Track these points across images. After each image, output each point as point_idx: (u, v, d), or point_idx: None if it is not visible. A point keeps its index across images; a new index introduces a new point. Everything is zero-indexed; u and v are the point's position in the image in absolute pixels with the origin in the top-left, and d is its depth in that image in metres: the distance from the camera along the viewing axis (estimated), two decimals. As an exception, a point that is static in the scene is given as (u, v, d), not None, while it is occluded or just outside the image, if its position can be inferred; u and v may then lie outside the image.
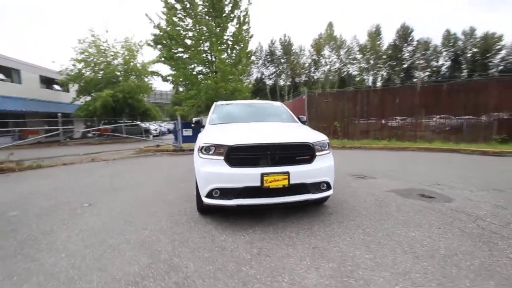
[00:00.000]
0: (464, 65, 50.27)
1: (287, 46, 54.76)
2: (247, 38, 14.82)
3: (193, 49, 14.01)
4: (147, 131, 22.13)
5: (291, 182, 2.91)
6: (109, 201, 4.25)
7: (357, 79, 55.57)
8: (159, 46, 14.64)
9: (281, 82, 57.01)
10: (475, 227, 2.89)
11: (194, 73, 14.85)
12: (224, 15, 13.97)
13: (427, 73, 52.53)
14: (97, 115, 19.34)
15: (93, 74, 20.10)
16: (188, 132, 12.72)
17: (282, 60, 55.26)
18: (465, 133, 10.75)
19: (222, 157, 2.96)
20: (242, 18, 14.38)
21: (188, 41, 14.25)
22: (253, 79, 54.53)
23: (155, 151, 11.85)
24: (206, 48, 14.41)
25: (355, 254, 2.38)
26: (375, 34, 51.91)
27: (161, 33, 13.84)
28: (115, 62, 20.90)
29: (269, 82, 56.26)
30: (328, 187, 3.19)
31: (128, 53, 20.81)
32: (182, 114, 14.28)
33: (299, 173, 2.95)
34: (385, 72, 54.38)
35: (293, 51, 54.76)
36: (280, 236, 2.78)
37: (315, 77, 55.94)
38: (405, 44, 52.45)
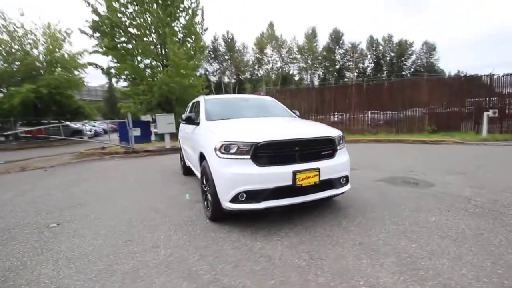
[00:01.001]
0: (384, 67, 57.90)
1: (230, 43, 54.42)
2: (200, 31, 14.11)
3: (140, 39, 12.66)
4: (77, 132, 18.96)
5: (321, 178, 2.79)
6: (83, 218, 3.45)
7: (296, 78, 58.91)
8: (97, 35, 12.80)
9: (226, 79, 56.56)
10: (474, 207, 3.24)
11: (142, 66, 13.48)
12: (175, 4, 12.97)
13: (355, 74, 58.86)
14: (15, 115, 15.90)
15: (5, 65, 16.44)
16: (136, 132, 11.52)
17: (226, 57, 54.78)
18: (404, 125, 12.33)
19: (247, 156, 2.65)
20: (192, 10, 13.60)
21: (134, 30, 12.82)
22: (197, 75, 52.64)
23: (102, 154, 10.34)
24: (155, 39, 13.20)
25: (401, 245, 2.39)
26: (311, 36, 55.58)
27: (100, 20, 12.10)
28: (35, 51, 17.53)
29: (213, 79, 55.12)
30: (347, 181, 3.18)
31: (52, 41, 17.64)
32: (127, 111, 12.80)
33: (327, 168, 2.85)
34: (321, 72, 58.91)
35: (237, 48, 54.78)
36: (318, 236, 2.63)
37: (259, 75, 57.15)
38: (337, 47, 57.68)
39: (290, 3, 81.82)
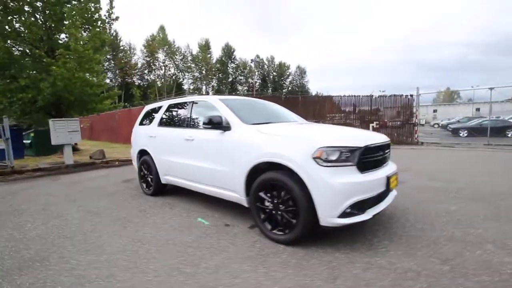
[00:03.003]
0: (269, 84, 65.62)
1: (114, 41, 47.53)
2: (107, 20, 11.58)
3: (17, 14, 9.16)
4: None
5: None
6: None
7: (192, 87, 58.02)
8: None
9: (107, 81, 48.68)
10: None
11: (17, 53, 9.76)
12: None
13: (245, 88, 63.86)
14: None
15: None
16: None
17: (108, 56, 47.33)
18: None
19: (352, 163, 2.39)
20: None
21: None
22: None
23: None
24: (41, 19, 9.87)
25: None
26: (205, 47, 56.37)
27: None
28: None
29: (91, 80, 46.28)
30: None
31: None
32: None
33: (395, 171, 2.94)
34: (215, 83, 60.46)
35: (122, 47, 48.42)
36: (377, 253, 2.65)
37: (149, 80, 52.53)
38: (229, 61, 61.00)
39: (182, 11, 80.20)
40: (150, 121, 4.79)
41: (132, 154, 5.28)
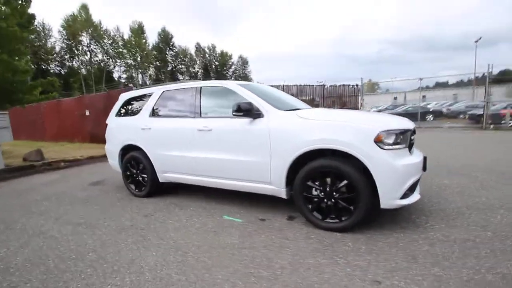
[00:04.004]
0: (211, 73, 63.83)
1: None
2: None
3: None
4: None
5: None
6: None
7: (125, 75, 52.47)
8: None
9: (16, 68, 40.24)
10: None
11: None
12: None
13: (187, 77, 60.91)
14: None
15: None
16: None
17: (14, 37, 38.92)
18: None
19: (405, 145, 2.46)
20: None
21: None
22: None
23: None
24: None
25: None
26: (138, 32, 51.17)
27: None
28: None
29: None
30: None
31: None
32: None
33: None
34: (153, 71, 55.85)
35: (34, 27, 40.34)
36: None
37: (73, 66, 45.40)
38: (168, 48, 56.93)
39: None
40: (135, 112, 4.11)
41: (109, 151, 4.47)
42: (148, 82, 53.78)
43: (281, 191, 2.83)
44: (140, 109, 4.03)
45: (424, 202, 3.22)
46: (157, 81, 52.90)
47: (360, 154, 2.35)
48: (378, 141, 2.33)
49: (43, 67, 41.50)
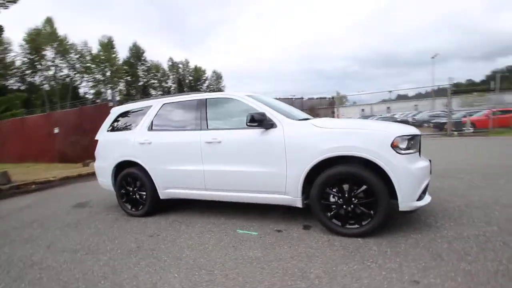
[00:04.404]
0: (185, 88, 63.17)
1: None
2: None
3: None
4: None
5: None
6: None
7: (92, 91, 50.07)
8: None
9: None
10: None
11: None
12: None
13: (160, 92, 59.73)
14: None
15: None
16: None
17: (-34, 51, 35.79)
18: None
19: (416, 149, 2.61)
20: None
21: None
22: None
23: None
24: None
25: None
26: (108, 46, 49.54)
27: None
28: None
29: None
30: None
31: None
32: None
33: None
34: (123, 86, 53.98)
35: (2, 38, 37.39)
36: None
37: (34, 82, 42.50)
38: (139, 63, 55.65)
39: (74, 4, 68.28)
40: (131, 126, 3.92)
41: (100, 169, 4.17)
42: (118, 98, 51.83)
43: (297, 200, 2.82)
44: (137, 123, 3.85)
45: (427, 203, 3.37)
46: (128, 96, 51.14)
47: (379, 160, 2.43)
48: (395, 146, 2.43)
49: (2, 83, 38.27)
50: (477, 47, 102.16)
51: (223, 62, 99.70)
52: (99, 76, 49.04)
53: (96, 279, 2.23)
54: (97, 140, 4.28)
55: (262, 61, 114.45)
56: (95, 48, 47.99)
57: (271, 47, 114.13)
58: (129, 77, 54.05)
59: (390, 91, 15.31)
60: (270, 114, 2.93)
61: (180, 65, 62.42)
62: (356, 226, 2.58)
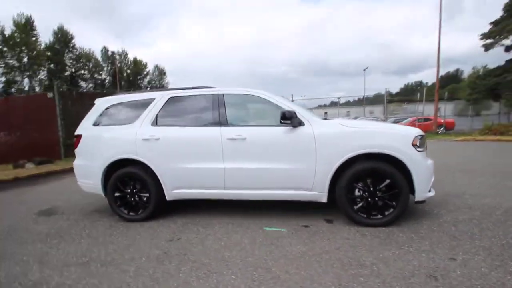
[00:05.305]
0: (122, 82, 57.61)
1: None
2: None
3: None
4: None
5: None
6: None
7: (3, 79, 41.66)
8: None
9: None
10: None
11: None
12: None
13: (91, 85, 53.31)
14: None
15: None
16: None
17: None
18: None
19: (424, 148, 3.02)
20: None
21: None
22: None
23: None
24: None
25: None
26: (26, 27, 41.85)
27: None
28: None
29: None
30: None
31: None
32: None
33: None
34: (44, 76, 46.29)
35: None
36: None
37: None
38: (67, 50, 48.56)
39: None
40: (128, 120, 3.50)
41: (84, 169, 3.61)
42: (38, 89, 44.34)
43: (323, 196, 2.98)
44: (136, 117, 3.45)
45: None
46: (50, 87, 44.08)
47: (404, 156, 2.75)
48: (414, 144, 2.79)
49: None
50: (393, 63, 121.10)
51: (163, 57, 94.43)
52: (13, 62, 41.05)
53: (137, 292, 1.96)
54: (77, 136, 3.69)
55: (205, 60, 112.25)
56: (8, 29, 40.07)
57: (215, 46, 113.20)
58: (52, 65, 46.62)
59: (339, 98, 16.94)
60: (298, 112, 3.02)
61: (117, 56, 56.68)
62: (380, 216, 2.86)
